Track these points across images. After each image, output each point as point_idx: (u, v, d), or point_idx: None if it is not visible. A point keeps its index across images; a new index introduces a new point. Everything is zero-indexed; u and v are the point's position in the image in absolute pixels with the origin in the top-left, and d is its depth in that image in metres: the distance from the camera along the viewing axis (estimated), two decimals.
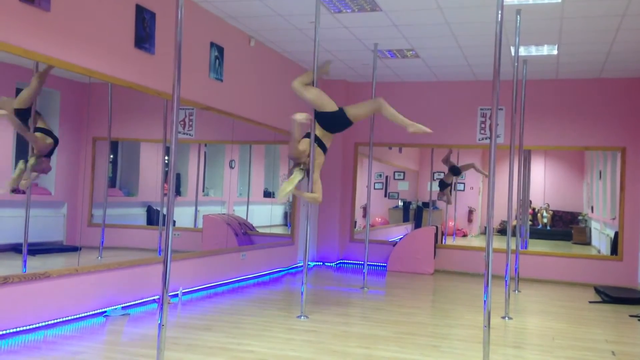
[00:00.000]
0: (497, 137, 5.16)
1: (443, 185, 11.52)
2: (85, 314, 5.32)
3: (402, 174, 12.85)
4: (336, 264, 10.39)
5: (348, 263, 10.44)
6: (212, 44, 7.06)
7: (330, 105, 5.83)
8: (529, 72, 8.68)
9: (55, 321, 5.00)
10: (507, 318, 6.27)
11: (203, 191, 8.24)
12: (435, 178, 11.63)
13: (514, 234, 7.87)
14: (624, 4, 6.09)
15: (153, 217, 7.07)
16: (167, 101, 6.32)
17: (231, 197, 8.48)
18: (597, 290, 8.33)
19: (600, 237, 10.79)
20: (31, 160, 5.17)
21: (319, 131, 5.87)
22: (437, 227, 10.23)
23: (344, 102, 10.38)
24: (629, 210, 9.12)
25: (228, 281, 7.60)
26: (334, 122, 5.86)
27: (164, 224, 6.26)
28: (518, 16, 6.50)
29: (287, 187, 5.67)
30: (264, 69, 8.34)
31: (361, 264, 9.92)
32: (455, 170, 11.45)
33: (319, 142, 5.86)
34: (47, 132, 5.36)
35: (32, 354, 4.30)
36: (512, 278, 7.40)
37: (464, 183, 12.73)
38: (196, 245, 7.54)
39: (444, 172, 11.51)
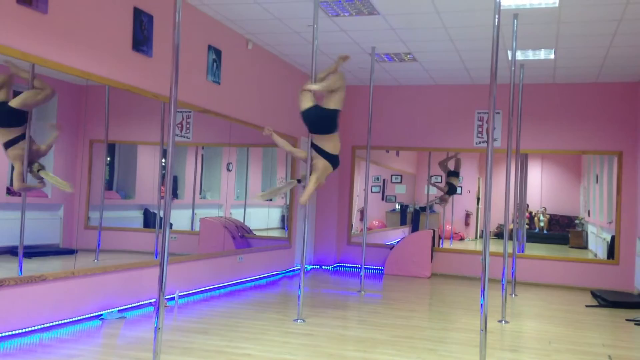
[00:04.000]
0: (494, 140, 5.18)
1: (453, 189, 11.49)
2: (82, 317, 5.30)
3: (399, 177, 12.87)
4: (333, 267, 10.38)
5: (345, 266, 10.43)
6: (209, 47, 7.06)
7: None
8: (526, 76, 8.69)
9: (51, 324, 4.99)
10: (503, 322, 6.27)
11: (200, 194, 8.23)
12: (432, 182, 11.63)
13: (510, 238, 7.87)
14: (620, 8, 6.11)
15: (150, 220, 7.06)
16: (165, 104, 6.32)
17: (228, 200, 8.47)
18: (594, 294, 8.34)
19: (597, 241, 10.81)
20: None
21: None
22: (434, 231, 10.23)
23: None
24: (626, 214, 9.14)
25: (225, 284, 7.58)
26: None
27: (160, 227, 6.27)
28: (515, 20, 6.52)
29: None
30: (262, 72, 8.34)
31: (358, 267, 9.92)
32: (454, 173, 11.48)
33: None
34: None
35: (28, 357, 4.28)
36: (508, 282, 7.40)
37: (461, 187, 12.75)
38: (193, 248, 7.53)
39: (442, 177, 11.50)
